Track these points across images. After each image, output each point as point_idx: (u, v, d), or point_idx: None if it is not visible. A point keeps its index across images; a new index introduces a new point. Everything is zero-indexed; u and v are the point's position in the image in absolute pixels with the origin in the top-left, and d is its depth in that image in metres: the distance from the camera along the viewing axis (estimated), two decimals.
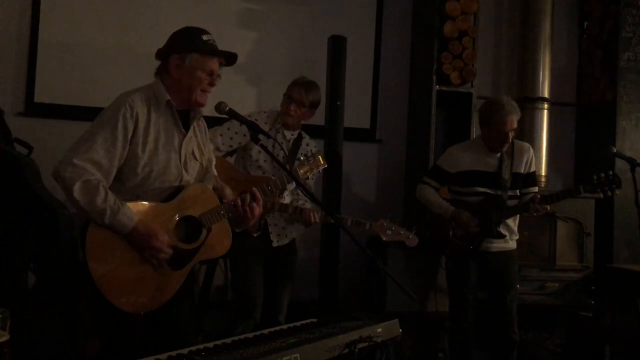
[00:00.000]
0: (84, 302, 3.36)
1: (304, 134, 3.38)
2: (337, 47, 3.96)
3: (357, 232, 2.32)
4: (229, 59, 2.28)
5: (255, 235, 3.11)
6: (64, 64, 4.09)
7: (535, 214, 3.34)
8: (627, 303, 3.88)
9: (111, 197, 2.04)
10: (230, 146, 3.20)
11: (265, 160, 3.18)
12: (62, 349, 3.30)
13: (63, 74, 4.10)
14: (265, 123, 3.25)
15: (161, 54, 2.27)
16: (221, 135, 3.18)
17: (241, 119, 2.34)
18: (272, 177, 3.09)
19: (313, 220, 3.12)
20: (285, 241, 3.28)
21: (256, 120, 3.24)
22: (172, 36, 2.28)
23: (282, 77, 3.55)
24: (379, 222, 3.15)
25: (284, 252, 3.29)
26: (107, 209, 2.02)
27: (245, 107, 3.52)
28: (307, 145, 3.37)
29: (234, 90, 4.13)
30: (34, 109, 4.05)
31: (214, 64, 2.22)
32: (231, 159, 3.41)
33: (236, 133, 3.16)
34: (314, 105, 3.31)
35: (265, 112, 3.33)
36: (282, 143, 3.25)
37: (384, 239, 3.16)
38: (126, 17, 4.20)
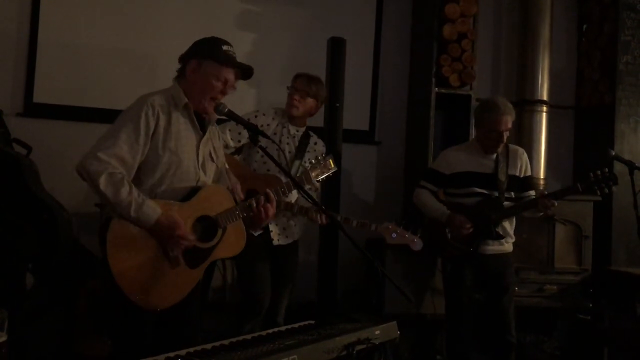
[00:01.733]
0: (82, 303, 3.37)
1: (311, 133, 3.37)
2: (336, 49, 3.97)
3: (356, 234, 2.32)
4: (245, 72, 2.36)
5: (255, 234, 3.12)
6: (64, 65, 4.09)
7: (543, 211, 3.35)
8: (625, 306, 3.89)
9: (135, 190, 2.10)
10: (239, 141, 3.20)
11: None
12: (59, 350, 3.30)
13: (62, 75, 4.09)
14: (273, 119, 3.26)
15: (182, 59, 2.35)
16: (230, 130, 3.18)
17: (240, 120, 2.37)
18: (279, 176, 3.10)
19: (320, 222, 3.13)
20: (286, 242, 3.27)
21: (264, 115, 3.26)
22: (194, 43, 2.35)
23: (282, 79, 3.55)
24: (384, 224, 3.15)
25: (285, 252, 3.27)
26: (133, 201, 2.08)
27: (244, 108, 3.52)
28: (315, 144, 3.36)
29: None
30: (33, 110, 4.05)
31: (228, 73, 2.30)
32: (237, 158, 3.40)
33: (244, 128, 3.15)
34: (319, 97, 3.30)
35: (273, 108, 3.35)
36: (287, 138, 3.24)
37: (388, 242, 3.15)
38: (126, 18, 4.20)
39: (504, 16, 5.00)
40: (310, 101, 3.27)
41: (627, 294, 3.93)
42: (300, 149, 3.27)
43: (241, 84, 3.94)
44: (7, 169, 3.27)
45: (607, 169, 3.32)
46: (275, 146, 2.90)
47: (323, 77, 4.04)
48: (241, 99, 4.23)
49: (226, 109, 2.31)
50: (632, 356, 3.77)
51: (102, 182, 2.06)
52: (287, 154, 3.19)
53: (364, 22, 4.70)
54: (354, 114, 4.51)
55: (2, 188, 3.22)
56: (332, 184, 3.87)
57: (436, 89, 4.33)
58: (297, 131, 3.31)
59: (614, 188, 3.34)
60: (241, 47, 4.32)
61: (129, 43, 4.18)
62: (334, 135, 3.91)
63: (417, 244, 3.15)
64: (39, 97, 4.07)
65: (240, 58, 2.36)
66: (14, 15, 4.06)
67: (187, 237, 2.16)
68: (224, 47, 2.30)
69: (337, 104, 3.91)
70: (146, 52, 4.13)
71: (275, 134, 3.22)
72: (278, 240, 3.23)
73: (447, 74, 4.30)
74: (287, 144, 3.24)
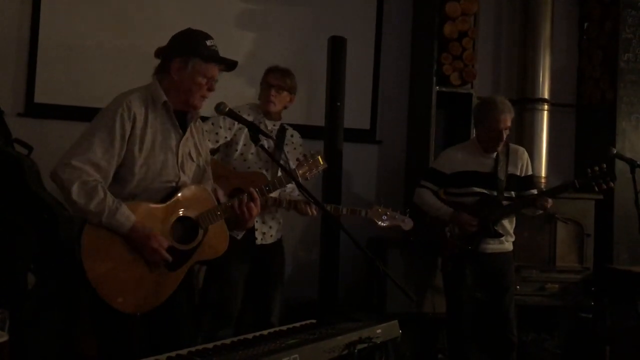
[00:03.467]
0: (83, 303, 3.37)
1: (286, 126, 3.34)
2: (337, 48, 3.96)
3: (357, 233, 2.32)
4: (230, 65, 2.30)
5: (238, 237, 3.02)
6: (64, 65, 4.09)
7: (539, 209, 3.35)
8: (627, 304, 3.88)
9: (109, 197, 2.05)
10: (217, 141, 3.15)
11: (252, 153, 3.14)
12: (61, 350, 3.30)
13: (63, 75, 4.09)
14: (248, 115, 3.20)
15: (162, 54, 2.28)
16: (206, 132, 3.13)
17: (241, 120, 2.36)
18: (263, 172, 3.08)
19: (310, 213, 3.09)
20: (270, 240, 3.21)
21: (239, 112, 3.21)
22: (175, 37, 2.28)
23: None
24: (373, 208, 3.16)
25: (269, 252, 3.21)
26: (105, 209, 2.03)
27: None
28: (292, 136, 3.34)
29: (233, 90, 4.11)
30: (34, 110, 4.05)
31: (214, 69, 2.24)
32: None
33: (220, 127, 3.11)
34: (293, 89, 3.28)
35: (247, 105, 3.30)
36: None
37: (380, 224, 3.16)
38: (126, 18, 4.20)
39: (505, 14, 5.00)
40: (285, 95, 3.25)
41: (629, 292, 3.92)
42: (278, 143, 3.23)
43: (241, 83, 3.97)
44: (8, 168, 3.26)
45: (604, 165, 3.31)
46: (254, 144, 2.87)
47: (324, 76, 4.04)
48: (241, 98, 4.21)
49: (227, 108, 2.28)
50: (634, 354, 3.76)
51: (75, 190, 2.02)
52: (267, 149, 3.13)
53: (364, 20, 4.69)
54: (355, 113, 4.50)
55: (3, 188, 3.22)
56: (333, 184, 3.87)
57: (437, 87, 4.32)
58: (274, 125, 3.28)
59: (613, 185, 3.32)
60: (241, 46, 4.33)
61: (129, 43, 4.17)
62: (335, 135, 3.91)
63: (407, 223, 3.17)
64: (40, 97, 4.06)
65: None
66: (14, 15, 4.06)
67: (161, 250, 2.10)
68: (208, 43, 2.23)
69: (338, 103, 3.91)
70: (147, 52, 4.10)
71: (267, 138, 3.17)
72: (262, 239, 3.17)
73: (448, 72, 4.30)
74: (266, 139, 3.18)
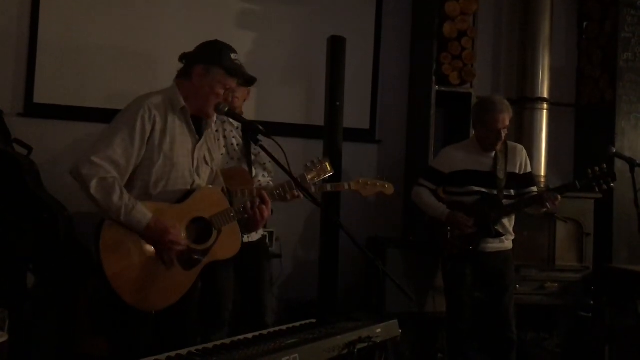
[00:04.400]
0: (83, 303, 3.38)
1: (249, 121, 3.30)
2: (336, 47, 3.97)
3: (357, 233, 2.32)
4: (248, 80, 2.38)
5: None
6: (64, 65, 4.09)
7: (546, 206, 3.34)
8: (627, 303, 3.88)
9: (126, 195, 2.10)
10: None
11: (221, 154, 3.10)
12: (60, 349, 3.30)
13: (62, 75, 4.09)
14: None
15: (186, 59, 2.33)
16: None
17: (239, 119, 2.37)
18: (243, 167, 3.05)
19: (297, 194, 3.03)
20: (256, 237, 3.16)
21: None
22: (201, 45, 2.34)
23: (282, 78, 3.54)
24: (355, 179, 3.17)
25: (255, 250, 3.16)
26: (123, 206, 2.07)
27: (244, 107, 3.52)
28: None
29: None
30: (33, 110, 4.05)
31: (233, 82, 2.32)
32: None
33: None
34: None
35: None
36: (232, 132, 3.12)
37: (364, 194, 3.18)
38: (126, 18, 4.20)
39: (504, 14, 5.00)
40: (243, 88, 3.20)
41: (628, 291, 3.92)
42: (245, 139, 3.14)
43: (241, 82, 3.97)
44: (7, 169, 3.27)
45: (605, 165, 3.31)
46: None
47: (323, 76, 4.05)
48: None
49: (226, 108, 2.31)
50: (633, 354, 3.77)
51: (93, 186, 2.06)
52: (237, 147, 3.09)
53: (364, 20, 4.70)
54: (355, 113, 4.50)
55: (2, 188, 3.23)
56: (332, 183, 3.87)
57: (436, 87, 4.33)
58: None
59: (613, 185, 3.32)
60: (241, 46, 4.29)
61: (129, 43, 4.18)
62: (334, 134, 3.91)
63: (388, 188, 3.19)
64: (40, 97, 4.06)
65: (240, 57, 2.36)
66: (14, 15, 4.06)
67: (179, 242, 2.15)
68: (232, 56, 2.30)
69: (338, 103, 3.91)
70: (147, 52, 4.13)
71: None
72: (248, 237, 3.08)
73: (448, 72, 4.30)
74: (234, 137, 3.13)
